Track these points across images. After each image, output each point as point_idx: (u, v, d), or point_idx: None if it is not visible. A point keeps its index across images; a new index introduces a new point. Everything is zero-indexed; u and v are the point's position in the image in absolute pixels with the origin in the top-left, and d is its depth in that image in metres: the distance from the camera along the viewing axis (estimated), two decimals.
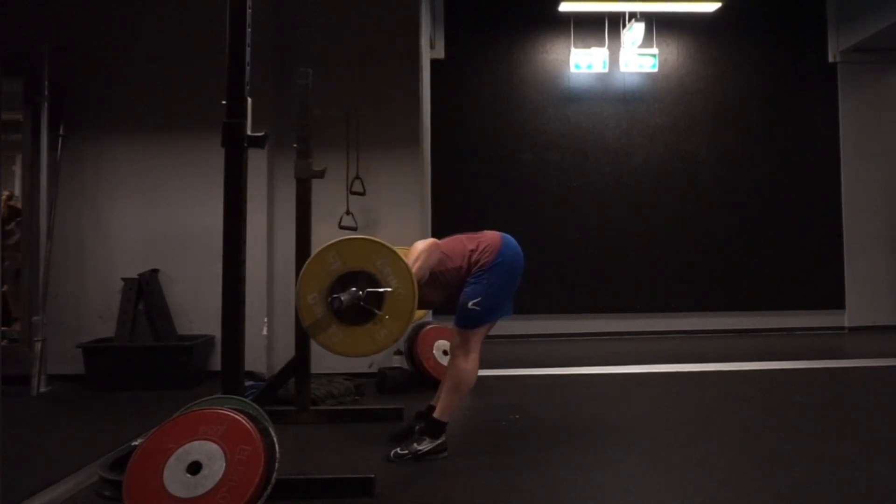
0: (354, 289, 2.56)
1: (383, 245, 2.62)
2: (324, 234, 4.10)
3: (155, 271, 4.44)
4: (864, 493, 2.46)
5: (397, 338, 2.61)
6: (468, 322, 2.84)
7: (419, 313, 3.51)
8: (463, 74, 6.45)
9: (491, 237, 2.93)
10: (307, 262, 2.66)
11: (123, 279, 4.39)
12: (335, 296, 2.53)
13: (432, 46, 6.03)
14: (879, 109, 6.59)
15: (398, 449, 2.82)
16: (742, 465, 2.76)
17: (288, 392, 3.55)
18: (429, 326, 4.29)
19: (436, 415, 2.87)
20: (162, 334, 4.34)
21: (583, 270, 6.43)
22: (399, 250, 2.69)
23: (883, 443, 3.05)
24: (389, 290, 2.57)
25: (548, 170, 6.50)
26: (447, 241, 2.95)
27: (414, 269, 2.66)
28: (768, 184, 6.58)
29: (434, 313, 4.50)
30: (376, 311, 2.56)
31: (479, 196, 6.41)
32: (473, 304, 2.79)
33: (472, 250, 2.87)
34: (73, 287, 4.45)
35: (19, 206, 5.20)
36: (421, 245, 2.82)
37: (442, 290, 2.88)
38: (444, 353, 4.15)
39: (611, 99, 6.56)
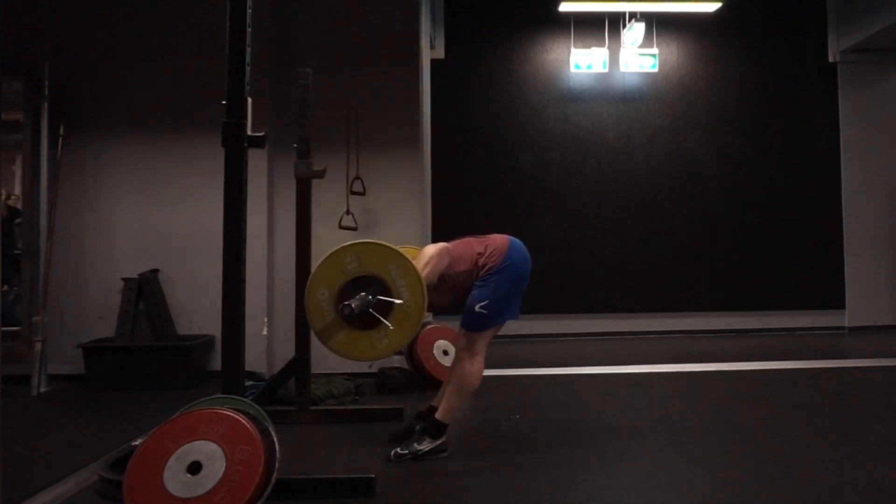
0: (364, 293, 2.56)
1: (401, 254, 2.63)
2: (324, 234, 4.13)
3: (155, 271, 4.44)
4: (865, 493, 2.46)
5: (397, 349, 2.63)
6: (475, 324, 2.83)
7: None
8: (463, 74, 6.45)
9: (499, 240, 2.92)
10: (322, 259, 2.65)
11: (123, 279, 4.38)
12: (346, 303, 2.53)
13: (432, 46, 6.03)
14: (879, 109, 6.59)
15: (398, 449, 2.82)
16: (743, 464, 2.76)
17: (288, 392, 3.55)
18: (429, 326, 4.29)
19: (438, 416, 2.86)
20: (162, 334, 4.33)
21: (583, 270, 6.42)
22: (408, 251, 2.68)
23: (883, 443, 3.05)
24: (400, 302, 2.57)
25: (548, 170, 6.49)
26: (456, 244, 2.93)
27: (424, 274, 2.66)
28: (768, 184, 6.57)
29: (437, 314, 4.50)
30: (384, 321, 2.56)
31: (479, 196, 6.41)
32: (481, 307, 2.78)
33: (479, 253, 2.86)
34: (73, 287, 4.45)
35: (18, 205, 5.20)
36: (431, 249, 2.81)
37: (450, 293, 2.88)
38: (445, 353, 4.15)
39: (611, 99, 6.56)
